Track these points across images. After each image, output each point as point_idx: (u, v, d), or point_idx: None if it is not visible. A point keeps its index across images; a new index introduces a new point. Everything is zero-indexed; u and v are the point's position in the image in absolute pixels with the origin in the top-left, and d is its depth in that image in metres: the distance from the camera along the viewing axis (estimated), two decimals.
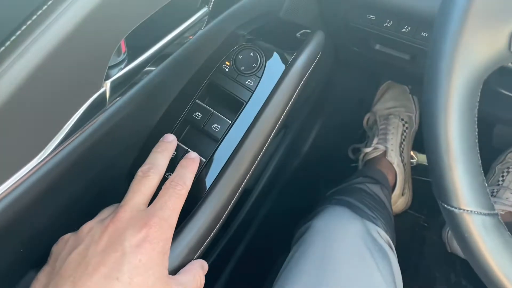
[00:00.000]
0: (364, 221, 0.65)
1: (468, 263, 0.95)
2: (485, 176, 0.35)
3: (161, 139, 0.44)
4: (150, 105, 0.44)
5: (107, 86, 0.35)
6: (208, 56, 0.49)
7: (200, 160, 0.45)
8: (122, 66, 0.37)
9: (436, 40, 0.34)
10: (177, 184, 0.39)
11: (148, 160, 0.41)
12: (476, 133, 0.34)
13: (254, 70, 0.48)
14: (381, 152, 1.05)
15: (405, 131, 1.08)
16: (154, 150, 0.42)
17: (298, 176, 1.06)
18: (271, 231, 0.98)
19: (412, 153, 1.14)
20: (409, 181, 1.09)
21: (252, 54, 0.49)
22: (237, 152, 0.45)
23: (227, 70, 0.49)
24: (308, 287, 0.54)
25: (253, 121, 0.46)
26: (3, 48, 0.26)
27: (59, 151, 0.34)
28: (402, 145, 1.06)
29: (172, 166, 0.44)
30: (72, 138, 0.34)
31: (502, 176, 0.96)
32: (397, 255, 0.67)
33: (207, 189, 0.44)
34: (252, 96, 0.47)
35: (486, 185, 0.34)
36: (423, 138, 0.36)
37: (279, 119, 0.48)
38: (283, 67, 0.49)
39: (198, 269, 0.40)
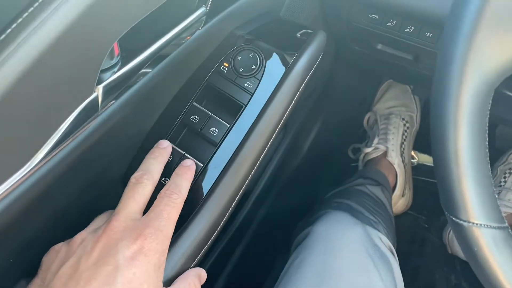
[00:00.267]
0: (365, 226, 0.64)
1: (469, 264, 0.95)
2: None
3: (155, 145, 0.43)
4: (145, 109, 0.43)
5: (99, 91, 0.34)
6: (206, 58, 0.48)
7: (197, 165, 0.43)
8: (115, 69, 0.36)
9: (446, 44, 0.32)
10: (172, 193, 0.38)
11: (142, 167, 0.40)
12: (487, 143, 0.32)
13: (253, 72, 0.47)
14: (382, 152, 1.04)
15: (406, 130, 1.06)
16: (147, 156, 0.41)
17: (297, 176, 1.05)
18: (270, 232, 0.97)
19: (413, 153, 1.13)
20: (410, 181, 1.07)
21: (251, 55, 0.47)
22: (235, 157, 0.44)
23: (225, 71, 0.47)
24: None
25: (252, 125, 0.45)
26: None
27: (50, 158, 0.32)
28: (403, 145, 1.05)
29: (168, 171, 0.42)
30: (63, 145, 0.33)
31: (504, 177, 0.95)
32: (397, 256, 0.66)
33: (204, 195, 0.43)
34: (252, 99, 0.46)
35: (497, 196, 0.32)
36: (431, 148, 0.35)
37: (279, 122, 0.47)
38: (283, 68, 0.47)
39: (194, 278, 0.39)
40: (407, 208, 1.08)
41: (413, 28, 0.59)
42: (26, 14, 0.26)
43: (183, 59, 0.45)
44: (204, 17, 0.44)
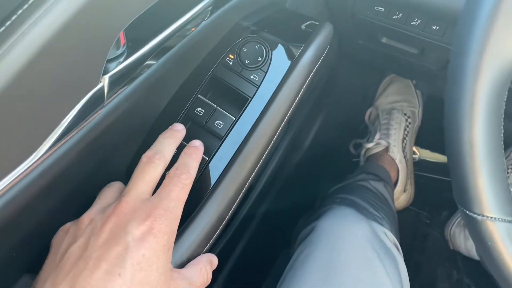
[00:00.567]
0: (370, 222, 0.64)
1: (471, 260, 0.94)
2: None
3: (169, 127, 0.42)
4: (150, 101, 0.42)
5: (105, 81, 0.33)
6: (211, 49, 0.47)
7: (203, 158, 0.43)
8: (121, 59, 0.35)
9: (462, 35, 0.32)
10: (182, 173, 0.37)
11: (154, 146, 0.39)
12: (502, 135, 0.32)
13: (259, 64, 0.46)
14: (383, 148, 1.03)
15: (407, 126, 1.06)
16: (161, 136, 0.40)
17: (299, 172, 1.05)
18: (273, 227, 0.97)
19: (414, 148, 1.13)
20: (411, 177, 1.07)
21: (257, 47, 0.46)
22: (241, 150, 0.43)
23: (231, 63, 0.46)
24: None
25: (258, 117, 0.44)
26: None
27: (56, 149, 0.32)
28: (405, 141, 1.05)
29: (171, 164, 0.42)
30: (69, 136, 0.32)
31: (507, 173, 0.95)
32: None
33: (210, 187, 0.42)
34: (257, 91, 0.45)
35: (511, 190, 0.31)
36: (445, 140, 0.34)
37: (286, 115, 0.46)
38: (290, 61, 0.46)
39: (205, 263, 0.39)
40: (409, 204, 1.08)
41: (419, 21, 0.58)
42: (31, 1, 0.26)
43: (188, 51, 0.44)
44: (210, 8, 0.44)
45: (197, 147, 0.41)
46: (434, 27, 0.57)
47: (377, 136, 1.05)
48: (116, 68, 0.34)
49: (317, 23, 0.51)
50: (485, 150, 0.31)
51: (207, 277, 0.38)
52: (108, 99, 0.34)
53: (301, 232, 0.68)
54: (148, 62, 0.39)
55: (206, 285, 0.38)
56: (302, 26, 0.51)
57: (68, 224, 0.36)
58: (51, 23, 0.26)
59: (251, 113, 0.45)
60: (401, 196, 1.04)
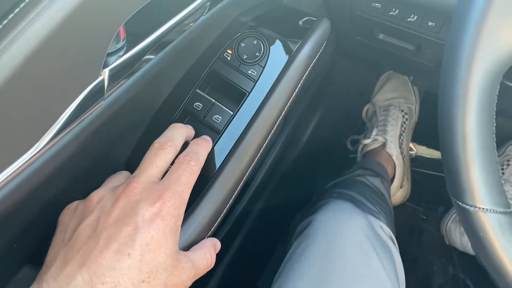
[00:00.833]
0: (367, 216, 0.64)
1: (466, 255, 0.95)
2: None
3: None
4: (149, 95, 0.43)
5: (105, 74, 0.33)
6: (209, 44, 0.47)
7: None
8: (121, 53, 0.35)
9: (456, 29, 0.32)
10: (191, 159, 0.38)
11: (166, 134, 0.40)
12: (494, 129, 0.32)
13: (257, 59, 0.46)
14: (380, 144, 1.04)
15: (404, 122, 1.06)
16: (172, 125, 0.41)
17: (296, 167, 1.05)
18: (270, 222, 0.97)
19: (411, 145, 1.13)
20: (408, 173, 1.08)
21: (255, 42, 0.47)
22: (239, 144, 0.44)
23: (229, 58, 0.47)
24: (311, 282, 0.53)
25: (255, 112, 0.45)
26: None
27: (57, 141, 0.32)
28: (402, 137, 1.05)
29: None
30: (69, 128, 0.33)
31: (502, 169, 0.95)
32: None
33: (209, 181, 0.43)
34: (255, 86, 0.46)
35: (508, 184, 0.32)
36: (438, 133, 0.35)
37: (283, 110, 0.47)
38: (287, 56, 0.47)
39: (210, 247, 0.39)
40: (405, 200, 1.08)
41: (416, 17, 0.58)
42: None
43: (187, 46, 0.44)
44: (209, 3, 0.44)
45: (207, 140, 0.42)
46: (430, 24, 0.58)
47: (374, 132, 1.05)
48: (116, 61, 0.35)
49: (314, 19, 0.51)
50: (478, 142, 0.32)
51: (211, 261, 0.39)
52: (108, 92, 0.35)
53: (298, 226, 0.68)
54: (147, 56, 0.39)
55: (209, 269, 0.39)
56: (300, 22, 0.52)
57: (75, 202, 0.37)
58: (52, 16, 0.27)
59: (249, 108, 0.45)
60: (398, 192, 1.04)
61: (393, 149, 1.03)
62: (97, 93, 0.33)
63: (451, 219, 0.99)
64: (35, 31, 0.26)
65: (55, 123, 0.31)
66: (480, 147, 0.32)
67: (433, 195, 1.09)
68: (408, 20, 0.59)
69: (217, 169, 0.43)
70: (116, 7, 0.31)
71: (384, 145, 1.04)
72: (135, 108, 0.41)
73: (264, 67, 0.46)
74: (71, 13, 0.27)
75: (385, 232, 0.65)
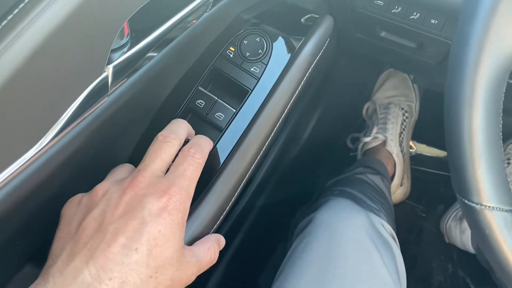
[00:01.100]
0: (368, 213, 0.64)
1: (466, 253, 0.95)
2: None
3: None
4: (152, 92, 0.42)
5: (109, 71, 0.33)
6: (212, 41, 0.47)
7: None
8: (125, 49, 0.35)
9: (464, 23, 0.32)
10: (196, 152, 0.37)
11: (168, 127, 0.39)
12: (501, 126, 0.32)
13: (260, 56, 0.46)
14: (381, 142, 1.04)
15: (405, 120, 1.06)
16: (175, 120, 0.41)
17: (297, 165, 1.05)
18: (270, 220, 0.97)
19: (411, 143, 1.13)
20: (408, 171, 1.08)
21: (258, 39, 0.47)
22: (241, 142, 0.44)
23: (231, 56, 0.46)
24: (313, 280, 0.53)
25: (258, 110, 0.45)
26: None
27: (61, 138, 0.32)
28: (402, 135, 1.05)
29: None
30: (74, 124, 0.33)
31: (505, 166, 0.95)
32: None
33: (212, 179, 0.43)
34: (258, 83, 0.45)
35: (509, 180, 0.32)
36: (444, 131, 0.34)
37: (286, 108, 0.46)
38: (290, 53, 0.47)
39: (214, 243, 0.39)
40: (405, 198, 1.08)
41: (418, 15, 0.58)
42: None
43: (189, 43, 0.44)
44: (212, 0, 0.44)
45: (207, 137, 0.42)
46: (433, 21, 0.58)
47: (375, 130, 1.05)
48: (120, 58, 0.34)
49: (317, 16, 0.51)
50: (484, 140, 0.32)
51: (214, 256, 0.38)
52: (112, 89, 0.34)
53: (299, 224, 0.68)
54: (150, 54, 0.39)
55: (212, 264, 0.38)
56: (302, 19, 0.52)
57: (79, 195, 0.36)
58: (56, 12, 0.27)
59: (251, 105, 0.45)
60: (398, 190, 1.04)
61: (393, 147, 1.03)
62: (101, 90, 0.33)
63: (451, 217, 0.99)
64: (39, 27, 0.26)
65: (60, 119, 0.31)
66: (486, 145, 0.32)
67: (433, 193, 1.10)
68: (410, 17, 0.59)
69: (220, 166, 0.43)
70: (121, 3, 0.31)
71: (384, 143, 1.04)
72: (138, 104, 0.40)
73: (267, 65, 0.46)
74: (75, 9, 0.27)
75: (386, 229, 0.65)
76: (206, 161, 0.42)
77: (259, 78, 0.46)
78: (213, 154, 0.43)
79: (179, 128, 0.39)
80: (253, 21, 0.49)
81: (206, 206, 0.40)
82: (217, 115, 0.45)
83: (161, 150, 0.37)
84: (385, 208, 0.75)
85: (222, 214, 0.43)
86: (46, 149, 0.31)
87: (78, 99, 0.31)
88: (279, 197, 1.00)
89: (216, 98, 0.45)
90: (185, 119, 0.45)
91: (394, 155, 1.02)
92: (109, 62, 0.33)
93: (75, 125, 0.32)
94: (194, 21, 0.43)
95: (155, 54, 0.40)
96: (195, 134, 0.43)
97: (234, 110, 0.45)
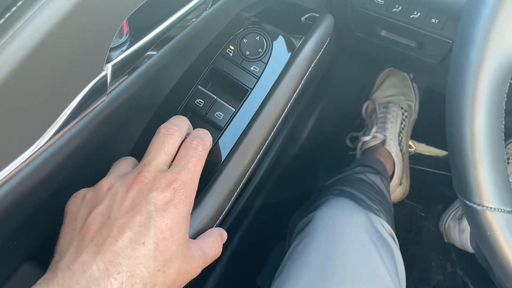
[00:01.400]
0: (367, 213, 0.64)
1: (465, 253, 0.95)
2: None
3: None
4: (152, 91, 0.42)
5: (108, 69, 0.33)
6: (212, 40, 0.47)
7: None
8: (124, 48, 0.35)
9: (466, 23, 0.32)
10: (198, 144, 0.37)
11: (170, 121, 0.39)
12: (503, 127, 0.32)
13: (260, 55, 0.46)
14: (380, 141, 1.04)
15: (404, 119, 1.06)
16: (175, 116, 0.41)
17: (296, 163, 1.05)
18: (269, 219, 0.97)
19: (410, 142, 1.13)
20: (407, 170, 1.08)
21: (258, 38, 0.46)
22: (241, 141, 0.43)
23: (231, 54, 0.46)
24: (312, 280, 0.53)
25: (258, 109, 0.44)
26: None
27: (60, 136, 0.32)
28: (401, 134, 1.05)
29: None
30: (73, 123, 0.33)
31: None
32: None
33: (211, 178, 0.42)
34: (258, 83, 0.45)
35: (511, 181, 0.32)
36: (446, 131, 0.34)
37: (286, 107, 0.46)
38: (290, 52, 0.46)
39: (217, 236, 0.39)
40: (404, 197, 1.08)
41: (419, 14, 0.58)
42: None
43: (189, 42, 0.44)
44: None
45: (208, 131, 0.41)
46: (433, 21, 0.58)
47: (374, 129, 1.05)
48: (119, 56, 0.34)
49: (317, 15, 0.51)
50: (486, 141, 0.32)
51: (218, 249, 0.39)
52: (111, 88, 0.34)
53: (298, 224, 0.68)
54: (149, 52, 0.39)
55: (216, 257, 0.39)
56: (302, 18, 0.51)
57: (83, 190, 0.36)
58: (55, 10, 0.26)
59: (251, 105, 0.45)
60: (397, 189, 1.04)
61: (392, 146, 1.03)
62: (100, 88, 0.33)
63: (450, 216, 0.99)
64: (38, 25, 0.26)
65: (59, 118, 0.30)
66: (488, 146, 0.32)
67: (432, 192, 1.10)
68: (411, 16, 0.59)
69: (221, 163, 0.42)
70: (120, 1, 0.31)
71: (383, 142, 1.04)
72: (137, 103, 0.40)
73: (266, 64, 0.46)
74: (74, 7, 0.27)
75: (386, 229, 0.65)
76: (207, 158, 0.42)
77: (259, 77, 0.45)
78: (213, 152, 0.43)
79: (180, 121, 0.39)
80: (253, 20, 0.48)
81: (209, 200, 0.41)
82: (216, 114, 0.44)
83: (164, 144, 0.37)
84: (384, 208, 0.75)
85: (225, 209, 0.43)
86: (45, 147, 0.31)
87: (77, 98, 0.31)
88: (278, 196, 1.00)
89: (216, 97, 0.45)
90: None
91: (393, 154, 1.02)
92: (108, 61, 0.33)
93: (74, 124, 0.32)
94: (194, 20, 0.43)
95: (154, 52, 0.39)
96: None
97: (234, 109, 0.44)
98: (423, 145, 1.16)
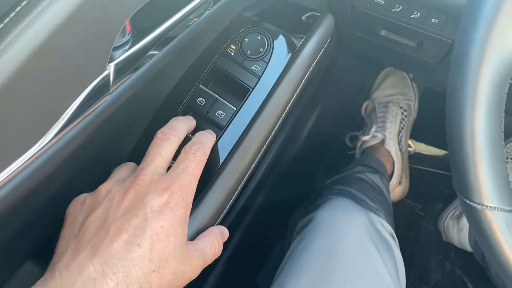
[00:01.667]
0: (368, 212, 0.64)
1: (463, 252, 0.96)
2: None
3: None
4: (154, 90, 0.42)
5: (111, 69, 0.33)
6: (213, 39, 0.47)
7: None
8: (127, 48, 0.35)
9: (466, 23, 0.32)
10: (198, 149, 0.38)
11: (168, 125, 0.40)
12: (503, 126, 0.32)
13: (261, 54, 0.46)
14: (379, 141, 1.04)
15: (403, 119, 1.06)
16: (174, 118, 0.41)
17: (295, 163, 1.05)
18: (268, 219, 0.97)
19: (409, 141, 1.14)
20: (407, 170, 1.08)
21: (259, 37, 0.47)
22: (242, 140, 0.44)
23: (232, 54, 0.46)
24: (313, 279, 0.53)
25: (259, 108, 0.45)
26: (1, 25, 0.24)
27: (63, 135, 0.32)
28: (401, 134, 1.05)
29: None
30: (76, 122, 0.33)
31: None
32: None
33: (211, 177, 0.43)
34: (259, 82, 0.45)
35: (510, 180, 0.32)
36: (446, 131, 0.34)
37: (286, 106, 0.46)
38: (291, 52, 0.47)
39: (217, 235, 0.40)
40: (404, 196, 1.09)
41: (419, 14, 0.58)
42: None
43: (191, 41, 0.44)
44: None
45: (211, 133, 0.42)
46: (433, 21, 0.58)
47: (373, 128, 1.05)
48: (122, 56, 0.34)
49: (318, 14, 0.51)
50: (486, 140, 0.32)
51: (219, 249, 0.39)
52: (114, 87, 0.34)
53: (298, 223, 0.68)
54: (151, 52, 0.39)
55: (216, 257, 0.39)
56: (303, 18, 0.52)
57: (83, 195, 0.37)
58: (59, 11, 0.26)
59: (252, 104, 0.45)
60: (396, 188, 1.04)
61: (392, 146, 1.03)
62: (103, 88, 0.33)
63: (449, 216, 0.99)
64: (41, 26, 0.26)
65: (61, 118, 0.31)
66: (488, 145, 0.32)
67: (431, 191, 1.10)
68: (411, 16, 0.59)
69: (221, 163, 0.43)
70: (122, 1, 0.31)
71: (383, 141, 1.04)
72: (139, 102, 0.40)
73: (268, 63, 0.46)
74: (77, 7, 0.27)
75: (386, 228, 0.65)
76: (208, 158, 0.42)
77: (260, 77, 0.45)
78: (213, 152, 0.43)
79: (178, 125, 0.40)
80: (254, 19, 0.49)
81: (209, 200, 0.41)
82: (217, 113, 0.44)
83: (161, 148, 0.37)
84: (384, 207, 0.76)
85: (224, 210, 0.43)
86: (48, 147, 0.31)
87: (80, 97, 0.31)
88: (277, 195, 1.00)
89: (217, 96, 0.45)
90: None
91: (393, 154, 1.03)
92: (111, 60, 0.33)
93: (77, 123, 0.33)
94: (196, 19, 0.43)
95: (156, 52, 0.39)
96: (196, 132, 0.43)
97: (235, 109, 0.45)
98: (423, 144, 1.17)
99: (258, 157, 0.45)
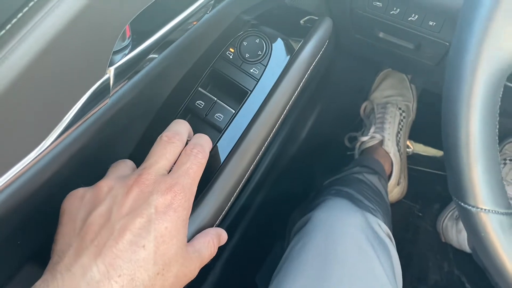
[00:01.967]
0: (365, 213, 0.65)
1: (462, 253, 0.96)
2: None
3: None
4: (153, 93, 0.43)
5: (111, 73, 0.33)
6: (212, 43, 0.47)
7: None
8: (126, 51, 0.35)
9: (462, 27, 0.32)
10: (199, 152, 0.38)
11: (171, 127, 0.40)
12: (497, 130, 0.33)
13: (259, 57, 0.47)
14: (378, 141, 1.05)
15: (402, 120, 1.07)
16: (176, 120, 0.41)
17: (294, 163, 1.06)
18: (267, 218, 0.98)
19: (408, 142, 1.14)
20: (405, 170, 1.08)
21: (257, 41, 0.47)
22: (240, 143, 0.44)
23: (231, 57, 0.47)
24: (310, 279, 0.53)
25: (257, 111, 0.45)
26: (3, 31, 0.24)
27: (62, 140, 0.32)
28: (399, 135, 1.06)
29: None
30: (76, 126, 0.33)
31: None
32: None
33: (210, 179, 0.43)
34: (257, 85, 0.46)
35: (505, 183, 0.32)
36: (441, 133, 0.35)
37: (285, 109, 0.47)
38: (289, 55, 0.47)
39: (213, 236, 0.40)
40: (402, 197, 1.09)
41: (416, 16, 0.59)
42: None
43: (190, 44, 0.44)
44: (212, 2, 0.44)
45: (207, 136, 0.42)
46: (431, 23, 0.58)
47: (372, 129, 1.06)
48: (122, 60, 0.35)
49: (316, 18, 0.52)
50: (481, 143, 0.32)
51: (214, 249, 0.39)
52: (114, 91, 0.35)
53: (296, 223, 0.69)
54: (151, 55, 0.39)
55: (212, 257, 0.39)
56: (301, 21, 0.52)
57: (81, 190, 0.36)
58: (60, 16, 0.27)
59: (251, 107, 0.45)
60: (395, 189, 1.05)
61: (390, 147, 1.03)
62: (103, 91, 0.33)
63: (448, 216, 1.00)
64: (43, 31, 0.26)
65: (62, 121, 0.31)
66: (483, 148, 0.32)
67: (429, 192, 1.10)
68: (409, 19, 0.60)
69: (219, 165, 0.43)
70: (122, 6, 0.31)
71: (381, 142, 1.04)
72: (138, 105, 0.41)
73: (266, 66, 0.46)
74: (78, 13, 0.28)
75: (383, 229, 0.66)
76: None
77: (259, 79, 0.46)
78: (212, 154, 0.43)
79: (181, 129, 0.40)
80: (252, 23, 0.49)
81: (208, 201, 0.41)
82: (216, 116, 0.45)
83: (166, 150, 0.37)
84: (382, 208, 0.76)
85: (222, 212, 0.43)
86: (49, 150, 0.31)
87: (80, 101, 0.31)
88: (276, 195, 1.01)
89: (216, 99, 0.45)
90: (185, 120, 0.45)
91: (391, 155, 1.03)
92: (111, 64, 0.34)
93: (77, 127, 0.33)
94: (195, 23, 0.44)
95: (156, 55, 0.40)
96: (193, 134, 0.44)
97: (234, 111, 0.45)
98: (421, 145, 1.17)
99: (257, 158, 0.46)
